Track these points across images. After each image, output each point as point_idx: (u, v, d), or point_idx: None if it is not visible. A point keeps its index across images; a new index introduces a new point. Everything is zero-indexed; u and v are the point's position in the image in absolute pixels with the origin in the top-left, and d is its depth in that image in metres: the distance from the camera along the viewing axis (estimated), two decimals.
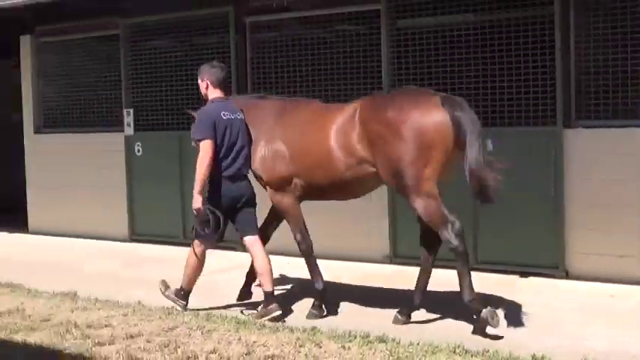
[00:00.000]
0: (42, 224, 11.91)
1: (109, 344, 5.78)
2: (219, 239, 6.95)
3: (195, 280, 7.03)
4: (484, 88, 8.18)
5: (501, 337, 5.84)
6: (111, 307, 6.92)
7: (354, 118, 6.51)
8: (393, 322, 6.40)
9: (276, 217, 7.30)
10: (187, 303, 7.02)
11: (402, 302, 6.61)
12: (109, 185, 11.16)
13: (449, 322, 6.40)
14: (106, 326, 6.28)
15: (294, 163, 6.82)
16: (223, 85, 7.18)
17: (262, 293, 6.76)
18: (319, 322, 6.41)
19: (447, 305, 6.64)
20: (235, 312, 6.70)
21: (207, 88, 7.08)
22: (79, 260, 9.84)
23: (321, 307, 6.83)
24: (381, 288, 7.76)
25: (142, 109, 10.86)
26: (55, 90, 12.03)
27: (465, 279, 6.10)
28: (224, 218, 6.80)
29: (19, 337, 6.01)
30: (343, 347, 5.53)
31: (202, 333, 6.01)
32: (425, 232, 6.46)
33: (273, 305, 6.75)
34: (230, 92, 8.26)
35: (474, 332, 6.06)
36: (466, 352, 5.39)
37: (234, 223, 6.99)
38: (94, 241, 11.08)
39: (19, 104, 12.48)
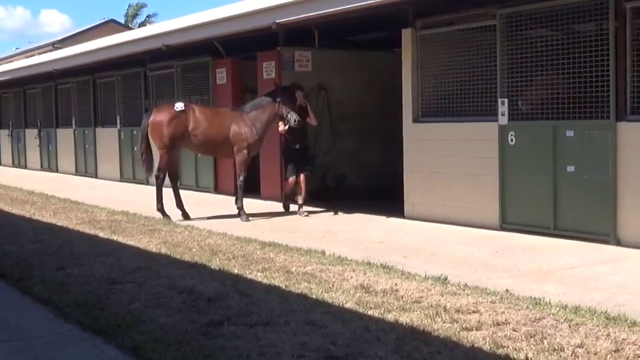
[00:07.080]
0: (416, 210, 12.41)
1: (475, 330, 5.83)
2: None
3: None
4: None
5: None
6: (479, 294, 6.95)
7: None
8: None
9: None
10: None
11: None
12: (481, 174, 11.31)
13: None
14: (473, 312, 6.32)
15: None
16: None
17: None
18: None
19: None
20: (604, 307, 6.42)
21: None
22: (449, 245, 10.07)
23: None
24: None
25: (516, 98, 10.85)
26: (432, 81, 12.38)
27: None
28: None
29: (391, 317, 6.21)
30: None
31: (570, 326, 5.87)
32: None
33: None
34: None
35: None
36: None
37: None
38: (465, 228, 11.28)
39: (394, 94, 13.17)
